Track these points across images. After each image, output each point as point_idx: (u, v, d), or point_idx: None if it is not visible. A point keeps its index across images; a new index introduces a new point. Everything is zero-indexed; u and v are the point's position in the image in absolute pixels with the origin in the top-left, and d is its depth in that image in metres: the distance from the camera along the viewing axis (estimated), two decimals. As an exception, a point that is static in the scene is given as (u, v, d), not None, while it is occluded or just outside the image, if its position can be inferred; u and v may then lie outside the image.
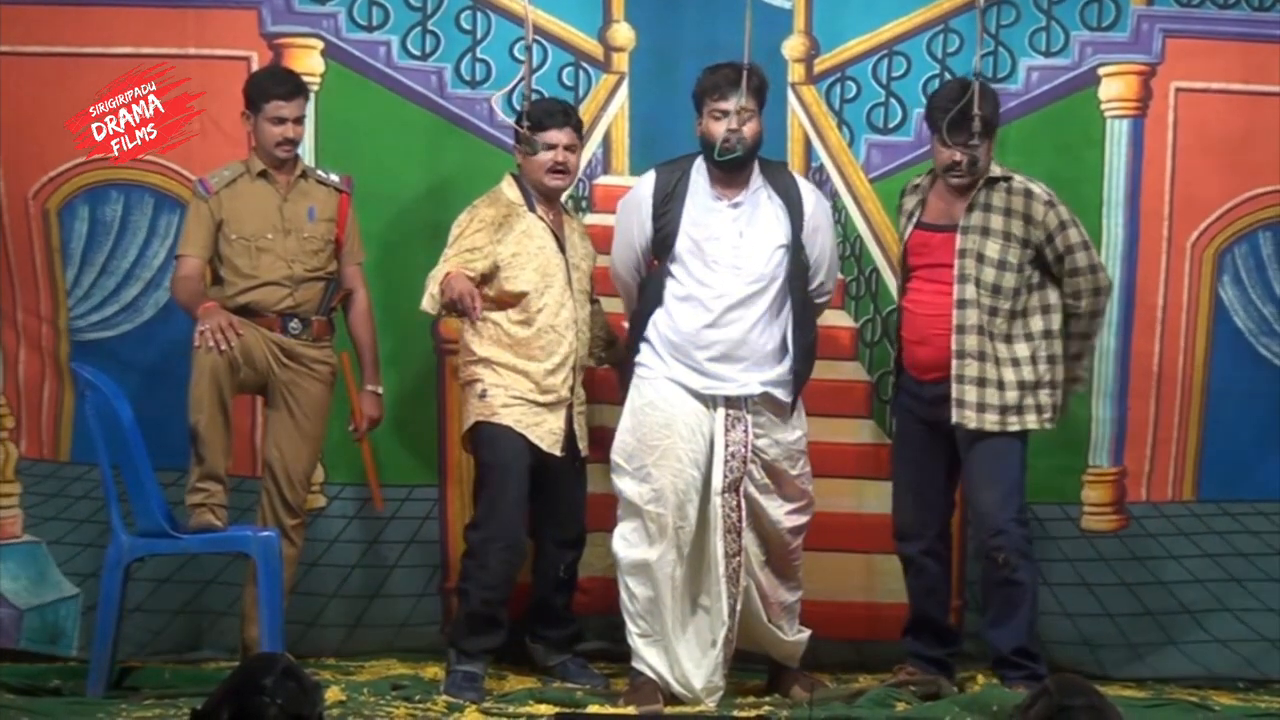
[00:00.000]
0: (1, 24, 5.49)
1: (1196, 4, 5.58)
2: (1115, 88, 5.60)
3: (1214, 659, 5.55)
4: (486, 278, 5.11)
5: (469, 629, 5.12)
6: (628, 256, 5.11)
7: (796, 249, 5.01)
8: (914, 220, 5.17)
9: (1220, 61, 5.56)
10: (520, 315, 5.16)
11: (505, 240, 5.14)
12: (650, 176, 5.09)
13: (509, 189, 5.25)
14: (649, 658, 4.99)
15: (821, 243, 5.10)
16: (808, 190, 5.14)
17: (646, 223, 5.03)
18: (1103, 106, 5.61)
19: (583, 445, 5.30)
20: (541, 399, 5.16)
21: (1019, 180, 5.08)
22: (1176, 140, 5.59)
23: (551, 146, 5.16)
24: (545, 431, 5.16)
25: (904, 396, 5.23)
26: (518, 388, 5.14)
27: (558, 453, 5.18)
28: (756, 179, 5.06)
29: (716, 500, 4.96)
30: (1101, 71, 5.60)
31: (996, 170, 5.09)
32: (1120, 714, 3.73)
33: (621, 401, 5.12)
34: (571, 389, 5.20)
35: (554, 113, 5.19)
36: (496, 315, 5.15)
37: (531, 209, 5.20)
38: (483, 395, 5.14)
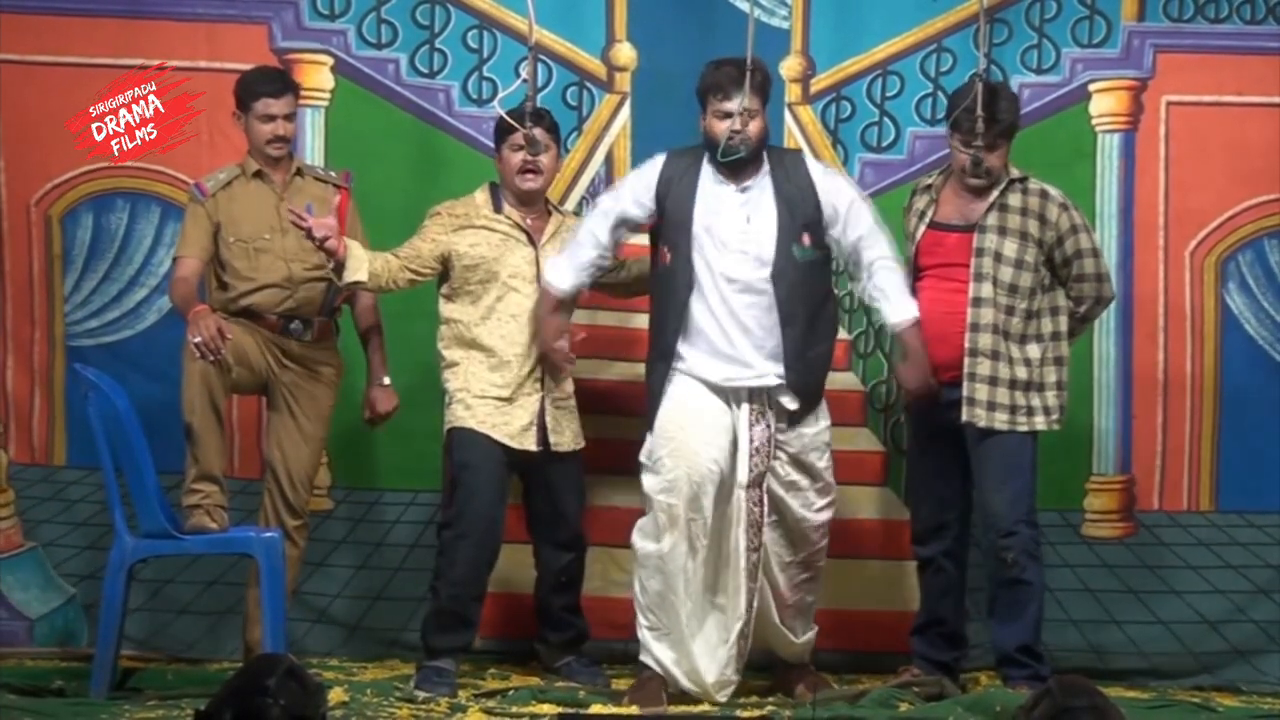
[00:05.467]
0: (11, 32, 5.41)
1: (1187, 19, 5.49)
2: (1106, 103, 5.51)
3: (1228, 669, 5.40)
4: (445, 265, 5.01)
5: (437, 626, 4.97)
6: (608, 206, 4.89)
7: (791, 239, 4.75)
8: (926, 220, 4.99)
9: (1212, 75, 5.47)
10: (479, 310, 5.00)
11: (464, 233, 5.02)
12: (661, 156, 4.91)
13: (479, 194, 5.13)
14: (656, 652, 4.79)
15: (857, 212, 4.82)
16: (817, 172, 4.89)
17: (646, 191, 4.83)
18: (1093, 121, 5.52)
19: (559, 438, 5.04)
20: (506, 393, 4.98)
21: (1035, 182, 4.95)
22: (1169, 152, 5.49)
23: (521, 148, 5.00)
24: (516, 428, 4.97)
25: (916, 401, 5.03)
26: (480, 386, 4.98)
27: (530, 447, 4.98)
28: (766, 166, 4.84)
29: (740, 494, 4.75)
30: (1092, 87, 5.51)
31: (1015, 172, 4.95)
32: (1123, 715, 3.58)
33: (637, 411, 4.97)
34: (540, 381, 4.99)
35: (517, 114, 5.00)
36: (456, 313, 5.02)
37: (498, 210, 5.07)
38: (449, 404, 5.02)
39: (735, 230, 4.77)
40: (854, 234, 4.81)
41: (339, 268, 4.83)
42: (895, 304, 4.83)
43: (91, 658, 4.89)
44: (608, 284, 5.12)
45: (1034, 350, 4.89)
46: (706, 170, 4.83)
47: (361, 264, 4.85)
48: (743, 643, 4.77)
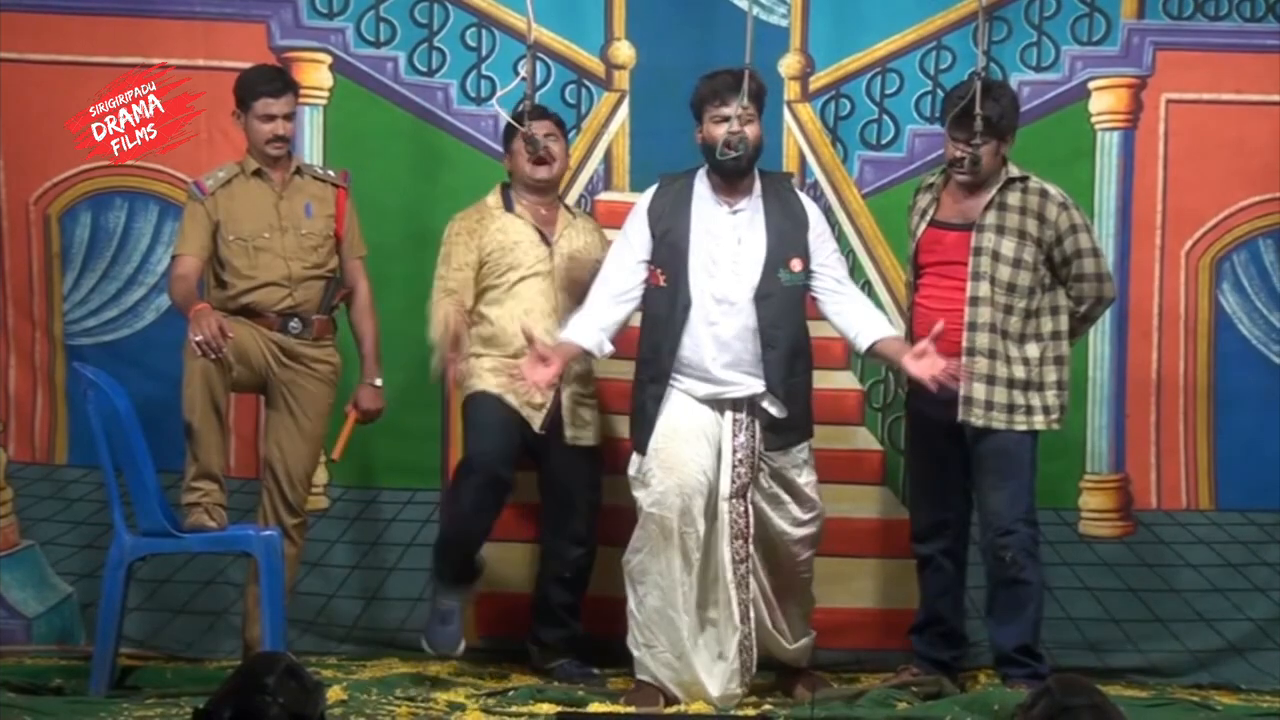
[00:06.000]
0: (9, 31, 5.39)
1: (1187, 16, 5.48)
2: (1106, 101, 5.50)
3: (1226, 668, 5.39)
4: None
5: (443, 555, 5.01)
6: (618, 254, 4.85)
7: (778, 263, 4.75)
8: (927, 218, 4.97)
9: (1211, 72, 5.46)
10: (494, 309, 5.02)
11: (483, 240, 5.05)
12: (651, 189, 4.90)
13: (491, 196, 5.16)
14: (654, 669, 4.75)
15: (829, 244, 4.89)
16: (808, 201, 4.95)
17: (643, 227, 4.81)
18: (1093, 119, 5.51)
19: (574, 432, 5.06)
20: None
21: (1035, 181, 4.91)
22: (1168, 151, 5.47)
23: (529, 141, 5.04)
24: (532, 408, 5.00)
25: (916, 399, 5.02)
26: (498, 377, 5.00)
27: (539, 427, 4.99)
28: (757, 188, 4.84)
29: (724, 505, 4.72)
30: (1092, 85, 5.50)
31: (1015, 171, 4.92)
32: (1122, 713, 3.55)
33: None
34: (558, 374, 4.95)
35: (532, 109, 5.05)
36: (481, 308, 5.05)
37: (509, 209, 5.08)
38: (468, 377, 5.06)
39: (726, 251, 4.76)
40: (826, 261, 4.82)
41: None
42: (873, 324, 4.81)
43: (91, 656, 4.87)
44: None
45: (1033, 349, 4.86)
46: (700, 190, 4.81)
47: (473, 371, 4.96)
48: (745, 656, 4.72)
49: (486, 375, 5.01)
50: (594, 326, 4.77)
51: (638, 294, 4.81)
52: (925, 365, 4.65)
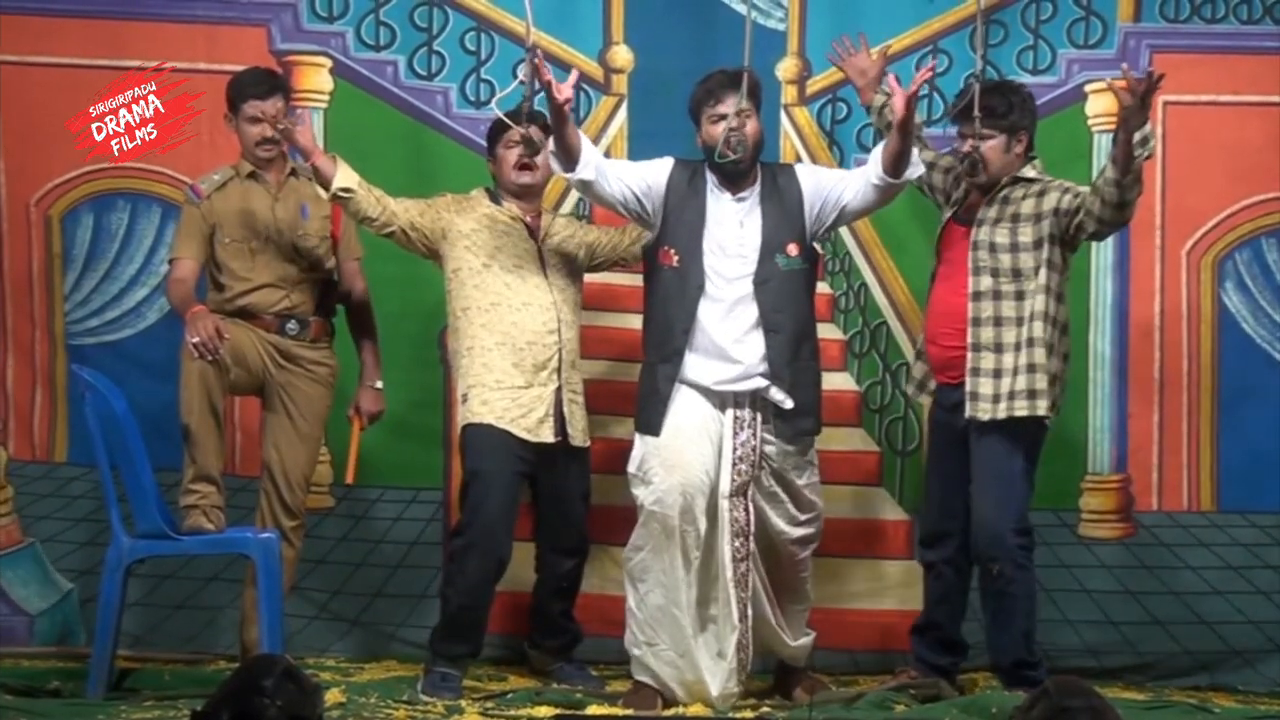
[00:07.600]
0: (11, 33, 5.39)
1: (1184, 19, 5.44)
2: (1102, 103, 5.43)
3: (1225, 670, 5.35)
4: (444, 245, 4.94)
5: (447, 633, 4.91)
6: (639, 164, 4.83)
7: (775, 248, 4.70)
8: (953, 209, 4.91)
9: (1209, 74, 5.41)
10: (488, 298, 4.92)
11: (465, 217, 4.97)
12: (670, 159, 4.83)
13: (476, 192, 5.10)
14: (655, 667, 4.71)
15: (823, 173, 4.87)
16: (799, 169, 4.90)
17: (661, 180, 4.74)
18: (1090, 122, 5.46)
19: (575, 432, 4.97)
20: (522, 381, 4.88)
21: (1047, 181, 4.82)
22: (1166, 152, 5.41)
23: (516, 144, 4.96)
24: (533, 420, 4.89)
25: (938, 408, 4.97)
26: (495, 376, 4.87)
27: (549, 437, 4.89)
28: (759, 179, 4.79)
29: (724, 504, 4.67)
30: (1088, 88, 5.45)
31: (1030, 173, 4.83)
32: (1120, 716, 3.53)
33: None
34: (558, 370, 4.92)
35: (514, 114, 4.94)
36: (466, 304, 4.93)
37: (496, 204, 5.03)
38: (464, 399, 4.92)
39: (731, 235, 4.72)
40: (828, 179, 4.78)
41: (326, 181, 4.79)
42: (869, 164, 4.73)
43: (89, 657, 4.82)
44: (606, 259, 5.11)
45: (1032, 331, 4.71)
46: (709, 180, 4.78)
47: (351, 176, 4.82)
48: (742, 654, 4.68)
49: (490, 402, 4.86)
50: (594, 157, 4.70)
51: (628, 195, 4.72)
52: (901, 91, 4.53)
